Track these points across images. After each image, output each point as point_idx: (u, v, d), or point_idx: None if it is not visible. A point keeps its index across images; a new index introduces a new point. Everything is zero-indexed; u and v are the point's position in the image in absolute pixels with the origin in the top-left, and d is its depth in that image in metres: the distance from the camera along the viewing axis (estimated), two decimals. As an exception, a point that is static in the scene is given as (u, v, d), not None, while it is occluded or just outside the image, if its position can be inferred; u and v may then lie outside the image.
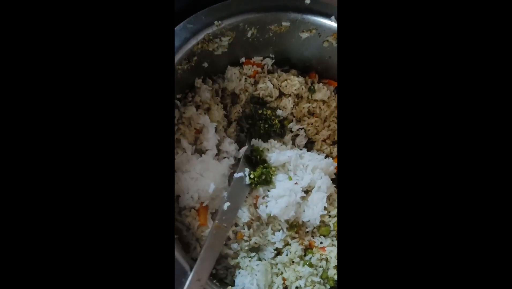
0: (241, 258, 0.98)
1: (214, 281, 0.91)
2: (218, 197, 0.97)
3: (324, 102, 1.20)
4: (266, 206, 1.01)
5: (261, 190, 1.02)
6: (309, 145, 1.19)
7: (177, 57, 0.94)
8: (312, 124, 1.18)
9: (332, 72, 1.18)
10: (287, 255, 1.00)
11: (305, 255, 1.03)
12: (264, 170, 1.03)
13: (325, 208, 1.04)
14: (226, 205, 0.93)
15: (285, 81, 1.16)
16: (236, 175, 0.99)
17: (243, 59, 1.15)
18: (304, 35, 1.10)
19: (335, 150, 1.18)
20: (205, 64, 1.06)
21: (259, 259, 1.00)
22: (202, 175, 0.95)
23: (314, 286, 0.98)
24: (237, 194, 0.96)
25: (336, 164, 1.12)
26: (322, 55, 1.16)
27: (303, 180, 1.05)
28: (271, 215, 1.00)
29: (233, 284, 0.96)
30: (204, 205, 0.95)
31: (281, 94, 1.18)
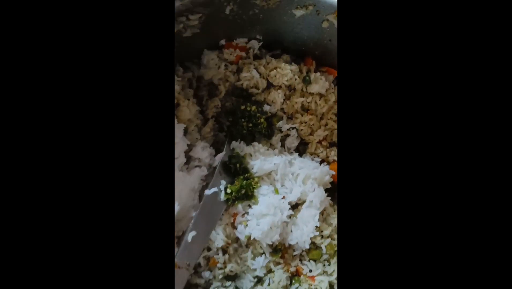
0: (214, 288, 0.82)
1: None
2: (185, 218, 0.79)
3: (321, 96, 0.99)
4: (246, 225, 0.83)
5: (240, 205, 0.84)
6: (302, 147, 1.00)
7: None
8: (306, 122, 0.98)
9: (332, 58, 0.97)
10: (269, 284, 0.84)
11: (291, 284, 0.86)
12: (244, 182, 0.84)
13: (316, 228, 0.86)
14: (191, 235, 0.74)
15: (275, 70, 0.95)
16: (207, 192, 0.81)
17: (223, 42, 0.93)
18: (299, 13, 0.88)
19: (332, 154, 0.99)
20: (171, 49, 0.84)
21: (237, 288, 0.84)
22: (165, 191, 0.76)
23: (300, 322, 0.83)
24: (207, 218, 0.78)
25: (333, 172, 0.93)
26: (321, 38, 0.94)
27: (291, 193, 0.87)
28: (252, 238, 0.82)
29: (204, 319, 0.80)
30: (166, 229, 0.76)
31: (270, 85, 0.97)
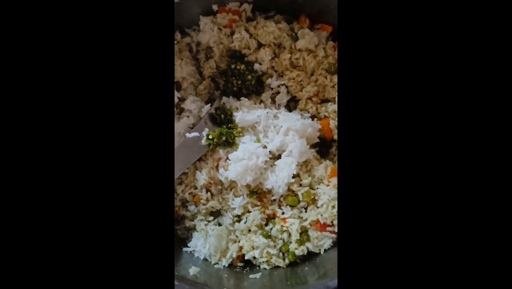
0: (198, 221, 0.95)
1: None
2: (171, 158, 0.93)
3: (310, 51, 1.01)
4: (227, 169, 0.93)
5: (221, 151, 0.95)
6: (293, 104, 1.04)
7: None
8: (294, 79, 1.02)
9: (328, 14, 0.99)
10: (245, 222, 0.93)
11: (266, 225, 0.94)
12: (225, 130, 0.94)
13: (294, 176, 0.91)
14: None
15: (262, 29, 1.01)
16: (188, 135, 0.93)
17: (215, 7, 1.03)
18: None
19: (323, 110, 1.01)
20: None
21: (219, 224, 0.95)
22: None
23: (270, 258, 0.90)
24: (186, 154, 0.91)
25: (318, 126, 0.97)
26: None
27: (273, 143, 0.94)
28: (229, 179, 0.92)
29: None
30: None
31: (261, 45, 1.04)
